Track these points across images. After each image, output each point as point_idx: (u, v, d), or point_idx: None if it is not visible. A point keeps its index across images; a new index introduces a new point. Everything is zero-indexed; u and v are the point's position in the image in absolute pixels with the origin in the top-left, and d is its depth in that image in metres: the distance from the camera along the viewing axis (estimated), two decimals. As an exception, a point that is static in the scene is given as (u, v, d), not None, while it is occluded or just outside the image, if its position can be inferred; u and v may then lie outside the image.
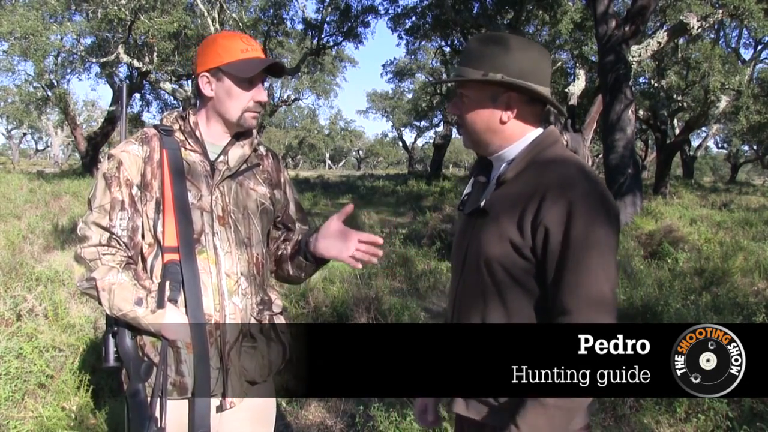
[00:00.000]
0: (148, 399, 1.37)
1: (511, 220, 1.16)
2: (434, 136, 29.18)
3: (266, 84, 1.55)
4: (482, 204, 1.24)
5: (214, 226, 1.43)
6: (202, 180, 1.44)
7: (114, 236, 1.39)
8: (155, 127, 1.47)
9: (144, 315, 1.35)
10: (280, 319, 1.58)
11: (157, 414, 1.35)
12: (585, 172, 1.16)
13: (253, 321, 1.49)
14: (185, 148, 1.46)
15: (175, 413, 1.43)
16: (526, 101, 1.24)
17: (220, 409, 1.45)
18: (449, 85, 22.58)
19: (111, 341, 1.40)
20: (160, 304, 1.35)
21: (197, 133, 1.47)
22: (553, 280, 1.12)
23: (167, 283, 1.38)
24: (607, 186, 1.22)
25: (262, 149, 1.60)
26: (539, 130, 1.28)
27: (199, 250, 1.41)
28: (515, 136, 1.25)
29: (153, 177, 1.42)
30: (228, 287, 1.43)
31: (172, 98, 20.71)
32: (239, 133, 1.52)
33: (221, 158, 1.47)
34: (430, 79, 25.47)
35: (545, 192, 1.13)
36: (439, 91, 23.32)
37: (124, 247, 1.40)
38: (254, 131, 1.56)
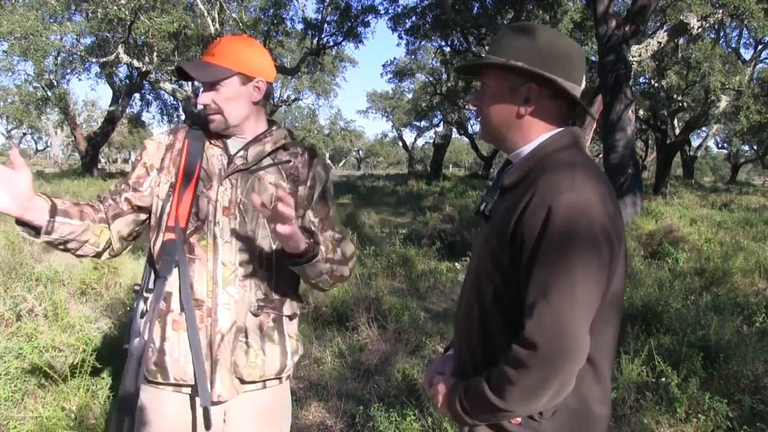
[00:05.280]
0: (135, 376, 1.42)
1: (497, 232, 1.10)
2: (434, 136, 29.19)
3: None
4: (482, 207, 1.19)
5: (216, 216, 1.46)
6: (215, 171, 1.50)
7: (108, 196, 1.54)
8: (185, 122, 1.58)
9: None
10: (288, 322, 1.55)
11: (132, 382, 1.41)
12: (578, 179, 1.02)
13: (250, 316, 1.47)
14: (210, 142, 1.54)
15: (174, 409, 1.46)
16: (549, 96, 1.13)
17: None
18: (449, 84, 22.60)
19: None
20: (158, 274, 1.45)
21: None
22: (526, 296, 1.03)
23: (161, 262, 1.44)
24: None
25: (297, 149, 1.58)
26: (552, 132, 1.16)
27: (200, 236, 1.46)
28: (532, 135, 1.15)
29: (171, 162, 1.52)
30: (223, 276, 1.44)
31: (172, 98, 20.73)
32: (264, 133, 1.55)
33: (240, 153, 1.52)
34: (430, 79, 25.45)
35: (529, 201, 1.04)
36: (439, 91, 23.31)
37: (104, 197, 1.55)
38: (286, 131, 1.57)
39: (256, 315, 1.48)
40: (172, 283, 1.44)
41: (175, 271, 1.44)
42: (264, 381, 1.52)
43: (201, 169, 1.50)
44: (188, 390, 1.46)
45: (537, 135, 1.15)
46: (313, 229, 1.49)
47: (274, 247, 1.51)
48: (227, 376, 1.44)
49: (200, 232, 1.46)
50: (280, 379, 1.56)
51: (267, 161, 1.52)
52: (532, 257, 1.01)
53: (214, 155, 1.53)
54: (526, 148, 1.15)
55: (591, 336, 1.01)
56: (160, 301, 1.43)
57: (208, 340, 1.44)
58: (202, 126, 1.55)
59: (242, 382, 1.47)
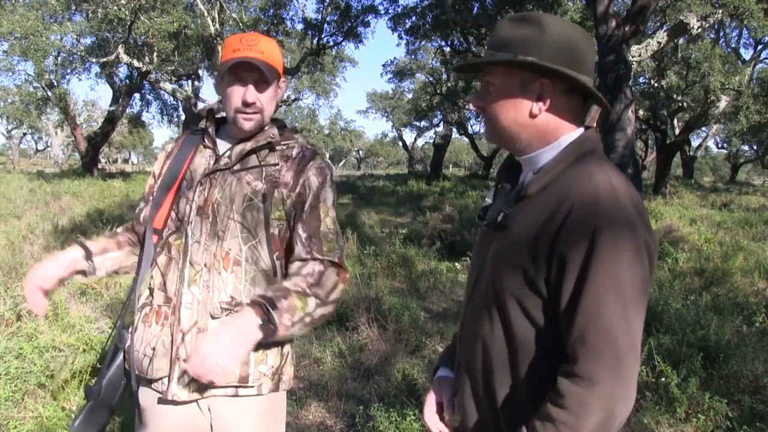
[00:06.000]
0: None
1: (526, 245, 1.01)
2: (434, 136, 29.21)
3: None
4: (500, 219, 1.08)
5: (191, 215, 1.47)
6: (200, 172, 1.52)
7: (133, 220, 1.64)
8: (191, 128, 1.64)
9: None
10: None
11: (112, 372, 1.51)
12: (617, 192, 0.96)
13: (210, 319, 1.44)
14: (203, 145, 1.56)
15: (143, 398, 1.50)
16: (563, 92, 1.04)
17: (162, 400, 1.45)
18: (449, 84, 22.60)
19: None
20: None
21: (210, 130, 1.56)
22: (565, 321, 0.96)
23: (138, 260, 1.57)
24: None
25: (293, 151, 1.53)
26: (576, 133, 1.07)
27: (177, 236, 1.48)
28: (548, 136, 1.07)
29: (167, 168, 1.56)
30: (189, 276, 1.44)
31: (172, 98, 20.74)
32: (256, 132, 1.53)
33: (227, 153, 1.52)
34: (430, 79, 25.45)
35: (567, 215, 0.96)
36: (439, 91, 23.31)
37: (132, 224, 1.64)
38: (274, 130, 1.54)
39: (214, 318, 1.43)
40: (155, 279, 1.49)
41: (154, 271, 1.49)
42: (235, 387, 1.45)
43: (187, 171, 1.52)
44: (145, 383, 1.48)
45: (558, 136, 1.07)
46: (263, 296, 1.36)
47: (244, 248, 1.45)
48: (185, 377, 1.42)
49: (178, 232, 1.48)
50: (254, 387, 1.47)
51: (253, 162, 1.50)
52: (579, 282, 0.94)
53: (204, 157, 1.54)
54: (548, 152, 1.07)
55: None
56: (132, 295, 1.55)
57: (171, 338, 1.44)
58: (211, 126, 1.56)
59: (204, 386, 1.42)
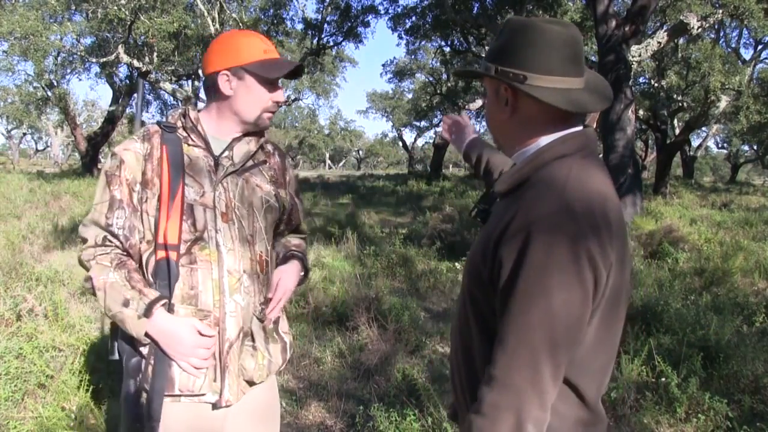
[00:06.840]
0: (138, 396, 1.38)
1: (483, 243, 1.03)
2: (434, 136, 29.20)
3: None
4: (473, 213, 1.19)
5: (217, 223, 1.41)
6: (204, 175, 1.43)
7: (110, 234, 1.39)
8: (158, 123, 1.46)
9: (130, 318, 1.33)
10: (282, 318, 1.60)
11: (145, 411, 1.36)
12: (566, 197, 0.94)
13: (255, 320, 1.48)
14: (188, 144, 1.45)
15: (183, 416, 1.42)
16: (527, 96, 1.02)
17: (215, 406, 1.43)
18: (449, 84, 22.59)
19: (118, 333, 1.44)
20: (148, 312, 1.32)
21: (199, 128, 1.46)
22: (499, 323, 0.96)
23: (157, 283, 1.37)
24: None
25: (269, 147, 1.60)
26: (557, 134, 1.04)
27: (202, 246, 1.39)
28: (524, 139, 1.07)
29: (154, 174, 1.40)
30: (229, 285, 1.41)
31: (172, 98, 20.73)
32: (254, 131, 1.53)
33: (226, 153, 1.47)
34: (430, 79, 25.44)
35: (512, 218, 0.96)
36: (439, 91, 23.31)
37: (120, 245, 1.39)
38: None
39: (261, 320, 1.49)
40: (176, 295, 1.39)
41: (176, 285, 1.37)
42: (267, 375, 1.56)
43: (186, 175, 1.40)
44: (187, 400, 1.41)
45: (532, 139, 1.06)
46: (295, 250, 1.64)
47: (268, 248, 1.53)
48: (235, 381, 1.43)
49: (201, 242, 1.39)
50: (280, 371, 1.62)
51: (249, 161, 1.51)
52: (508, 286, 0.93)
53: (197, 156, 1.44)
54: (524, 153, 1.08)
55: (576, 363, 0.96)
56: None
57: (218, 349, 1.41)
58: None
59: (250, 384, 1.48)
